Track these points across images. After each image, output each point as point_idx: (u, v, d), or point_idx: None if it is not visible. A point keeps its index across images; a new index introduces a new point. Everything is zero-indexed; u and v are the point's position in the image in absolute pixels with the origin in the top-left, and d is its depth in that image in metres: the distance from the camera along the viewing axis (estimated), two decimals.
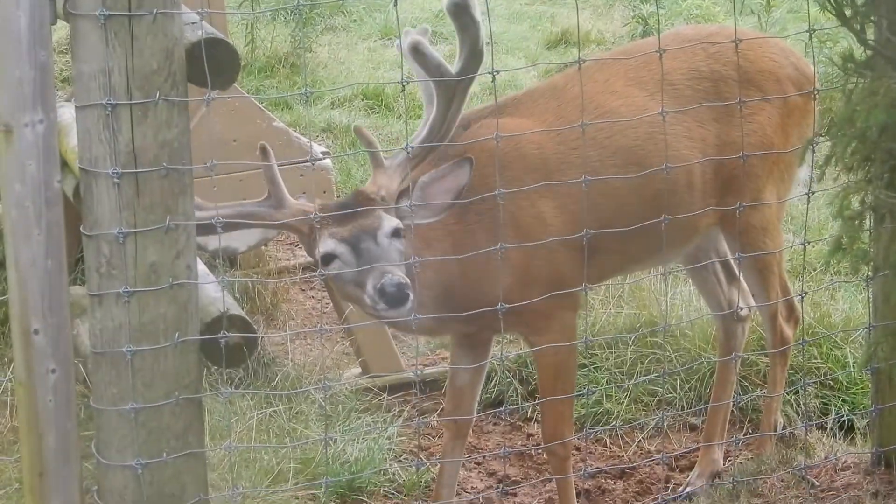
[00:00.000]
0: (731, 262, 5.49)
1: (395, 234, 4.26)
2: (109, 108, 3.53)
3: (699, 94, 4.94)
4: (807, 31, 4.47)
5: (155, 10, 3.50)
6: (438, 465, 5.19)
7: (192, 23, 3.67)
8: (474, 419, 5.23)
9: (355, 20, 13.89)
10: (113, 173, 3.55)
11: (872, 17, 3.97)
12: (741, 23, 12.85)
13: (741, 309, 5.45)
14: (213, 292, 3.91)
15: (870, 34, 4.11)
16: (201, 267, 3.98)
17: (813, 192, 4.44)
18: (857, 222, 3.89)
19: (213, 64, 3.62)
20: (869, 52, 4.04)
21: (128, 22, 3.50)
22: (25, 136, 3.55)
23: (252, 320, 6.54)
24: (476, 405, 5.15)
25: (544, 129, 4.70)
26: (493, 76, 4.14)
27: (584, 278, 4.51)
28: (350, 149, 9.72)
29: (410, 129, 9.13)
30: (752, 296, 5.42)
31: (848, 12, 3.94)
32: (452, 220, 4.57)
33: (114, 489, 3.74)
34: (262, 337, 6.14)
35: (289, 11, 11.73)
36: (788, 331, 5.44)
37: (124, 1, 3.48)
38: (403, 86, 4.16)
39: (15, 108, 3.54)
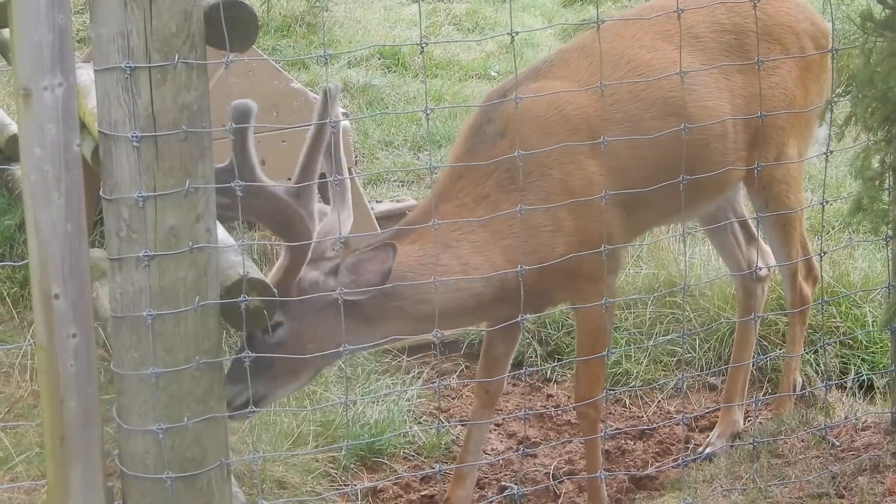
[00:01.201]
0: (750, 222, 5.48)
1: None
2: (128, 72, 3.51)
3: (723, 46, 4.97)
4: None
5: None
6: (466, 430, 5.17)
7: None
8: (503, 388, 5.19)
9: None
10: (132, 137, 3.54)
11: None
12: None
13: (760, 269, 5.44)
14: (233, 256, 3.89)
15: None
16: (221, 231, 3.97)
17: (831, 152, 4.42)
18: (877, 182, 3.85)
19: (231, 26, 3.59)
20: (888, 12, 4.00)
21: None
22: (45, 100, 3.53)
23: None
24: (506, 373, 5.13)
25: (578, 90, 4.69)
26: (512, 37, 4.10)
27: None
28: (367, 109, 9.70)
29: (427, 89, 9.11)
30: (773, 253, 5.41)
31: None
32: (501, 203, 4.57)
33: (135, 454, 3.73)
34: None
35: None
36: (807, 289, 5.42)
37: None
38: (423, 47, 4.10)
39: (34, 71, 3.51)
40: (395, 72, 10.65)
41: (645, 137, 4.59)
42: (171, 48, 3.53)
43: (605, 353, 4.74)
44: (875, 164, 3.91)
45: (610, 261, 4.53)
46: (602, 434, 5.09)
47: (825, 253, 5.03)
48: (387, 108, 9.70)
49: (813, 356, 5.73)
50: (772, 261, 5.48)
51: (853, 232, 6.55)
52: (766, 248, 5.51)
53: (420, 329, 4.59)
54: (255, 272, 3.85)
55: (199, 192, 3.63)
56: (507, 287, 4.52)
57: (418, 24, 12.81)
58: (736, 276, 5.55)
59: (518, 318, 4.31)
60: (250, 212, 4.11)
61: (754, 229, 5.54)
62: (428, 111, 4.08)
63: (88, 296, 3.67)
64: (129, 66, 3.50)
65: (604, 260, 4.41)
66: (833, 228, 6.72)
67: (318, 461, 5.09)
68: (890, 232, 4.37)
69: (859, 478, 4.59)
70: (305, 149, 4.33)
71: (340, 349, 4.06)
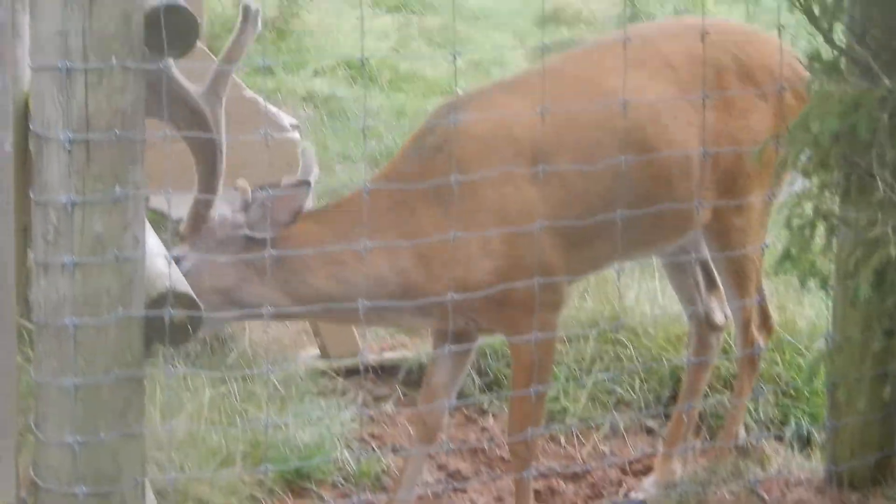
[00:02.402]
0: (713, 268, 5.38)
1: None
2: (65, 71, 3.42)
3: (698, 79, 4.80)
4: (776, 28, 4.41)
5: None
6: (402, 461, 5.07)
7: None
8: (444, 425, 5.04)
9: None
10: (64, 138, 3.44)
11: (841, 17, 3.88)
12: (731, 12, 12.79)
13: (717, 318, 5.36)
14: (163, 267, 3.80)
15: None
16: (152, 239, 3.87)
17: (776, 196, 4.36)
18: (806, 231, 3.79)
19: (171, 31, 3.51)
20: (835, 53, 3.95)
21: None
22: None
23: None
24: (447, 409, 4.98)
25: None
26: (454, 57, 4.03)
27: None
28: (330, 120, 9.64)
29: (392, 102, 9.03)
30: (726, 300, 5.32)
31: (816, 10, 3.84)
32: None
33: (49, 466, 3.61)
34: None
35: None
36: (761, 340, 5.34)
37: None
38: (363, 62, 4.02)
39: None
40: (360, 83, 10.58)
41: (584, 167, 4.47)
42: (109, 50, 3.43)
43: (537, 390, 4.59)
44: (808, 210, 3.85)
45: (549, 293, 4.44)
46: (532, 473, 5.00)
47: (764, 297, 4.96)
48: (349, 119, 9.64)
49: (752, 403, 5.64)
50: (730, 310, 5.39)
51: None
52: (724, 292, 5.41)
53: (300, 311, 4.51)
54: (181, 285, 3.74)
55: (128, 199, 3.52)
56: (411, 293, 4.44)
57: (388, 35, 12.81)
58: (692, 323, 5.44)
59: (453, 347, 4.27)
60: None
61: (716, 272, 5.44)
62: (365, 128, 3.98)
63: (12, 299, 3.58)
64: (66, 66, 3.42)
65: (543, 290, 4.33)
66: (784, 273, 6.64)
67: (244, 483, 4.98)
68: (828, 282, 4.30)
69: None
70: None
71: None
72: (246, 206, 4.40)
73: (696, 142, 4.77)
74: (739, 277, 5.12)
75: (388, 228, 4.46)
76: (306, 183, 4.40)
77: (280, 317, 4.60)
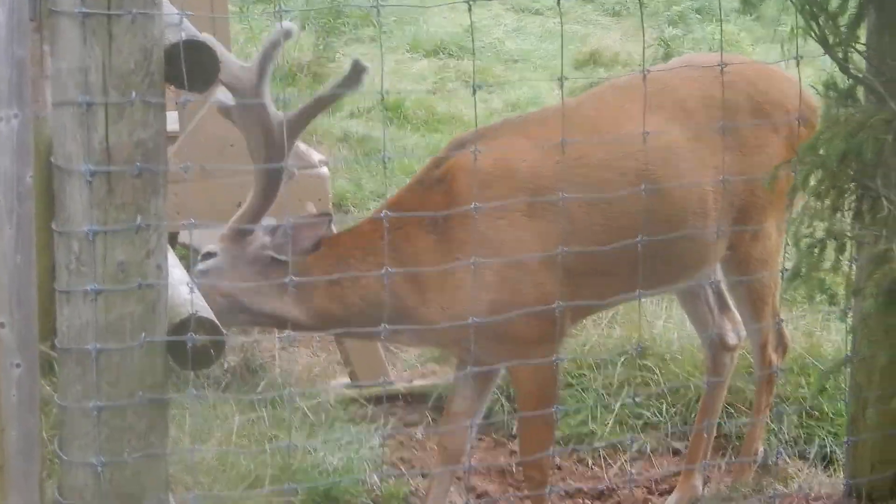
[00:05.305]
0: (724, 291, 5.46)
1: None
2: (85, 106, 3.54)
3: (713, 122, 4.86)
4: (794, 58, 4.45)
5: (134, 10, 3.51)
6: (427, 484, 5.17)
7: (175, 24, 3.68)
8: (467, 449, 5.11)
9: (385, 32, 13.91)
10: (86, 171, 3.56)
11: (855, 45, 3.95)
12: (767, 53, 12.84)
13: (730, 339, 5.44)
14: (186, 294, 3.91)
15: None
16: (175, 266, 3.98)
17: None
18: (815, 250, 3.86)
19: (191, 66, 3.62)
20: (850, 82, 4.02)
21: (106, 21, 3.50)
22: (0, 131, 3.57)
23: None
24: (471, 435, 5.08)
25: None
26: (474, 89, 4.13)
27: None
28: (365, 160, 9.74)
29: (428, 141, 9.12)
30: (744, 326, 5.40)
31: (831, 39, 3.92)
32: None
33: (74, 486, 3.73)
34: (255, 341, 6.16)
35: (313, 19, 11.77)
36: (776, 360, 5.40)
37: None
38: (383, 96, 4.13)
39: None
40: (396, 124, 10.69)
41: (571, 197, 4.54)
42: (129, 85, 3.55)
43: (547, 413, 4.66)
44: (819, 231, 3.91)
45: (545, 325, 4.52)
46: (551, 489, 5.05)
47: (783, 321, 5.02)
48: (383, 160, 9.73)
49: (777, 425, 5.71)
50: (743, 331, 5.46)
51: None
52: (739, 317, 5.49)
53: (305, 324, 4.68)
54: (204, 311, 3.85)
55: (150, 228, 3.63)
56: (405, 317, 4.60)
57: (425, 78, 12.92)
58: (706, 344, 5.52)
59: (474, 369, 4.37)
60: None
61: (728, 298, 5.52)
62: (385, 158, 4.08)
63: (34, 326, 3.69)
64: (86, 101, 3.53)
65: (541, 322, 4.42)
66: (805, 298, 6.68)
67: None
68: (847, 302, 4.36)
69: None
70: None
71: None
72: (273, 231, 4.56)
73: (710, 184, 4.84)
74: (757, 304, 5.20)
75: (384, 253, 4.56)
76: (328, 214, 4.60)
77: (284, 327, 4.75)
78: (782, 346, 5.43)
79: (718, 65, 4.62)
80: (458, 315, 4.51)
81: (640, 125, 4.69)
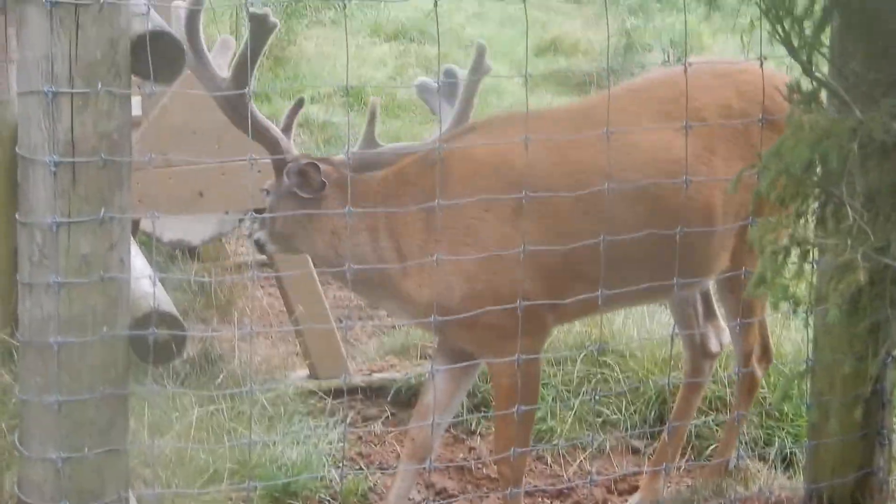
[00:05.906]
0: (712, 297, 5.44)
1: None
2: (50, 96, 3.49)
3: (727, 132, 4.84)
4: (758, 59, 4.45)
5: (102, 0, 3.46)
6: (391, 479, 5.12)
7: (141, 14, 3.63)
8: (435, 444, 5.06)
9: (346, 15, 13.87)
10: (50, 161, 3.51)
11: (819, 49, 3.93)
12: (726, 44, 12.86)
13: (712, 345, 5.43)
14: (147, 287, 3.86)
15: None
16: (138, 260, 3.93)
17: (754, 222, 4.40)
18: (780, 256, 3.84)
19: (157, 57, 3.58)
20: (815, 84, 4.00)
21: (74, 10, 3.45)
22: None
23: (206, 316, 6.54)
24: (439, 433, 5.03)
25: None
26: (439, 85, 4.09)
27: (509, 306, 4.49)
28: (324, 146, 9.69)
29: (388, 128, 9.07)
30: (731, 337, 5.39)
31: (796, 42, 3.89)
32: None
33: (33, 482, 3.68)
34: (212, 335, 6.12)
35: (274, 1, 11.69)
36: (759, 371, 5.40)
37: None
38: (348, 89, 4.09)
39: None
40: (357, 110, 10.65)
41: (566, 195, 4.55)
42: (96, 75, 3.51)
43: (528, 415, 4.65)
44: (784, 238, 3.89)
45: (527, 322, 4.45)
46: (521, 491, 5.04)
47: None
48: (343, 145, 9.69)
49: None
50: (726, 338, 5.45)
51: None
52: (723, 324, 5.46)
53: (322, 260, 4.86)
54: (166, 305, 3.81)
55: (114, 220, 3.59)
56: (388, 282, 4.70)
57: (386, 64, 12.88)
58: (687, 349, 5.50)
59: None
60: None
61: (715, 305, 5.49)
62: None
63: None
64: (52, 91, 3.48)
65: (517, 316, 4.38)
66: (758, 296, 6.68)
67: (231, 500, 5.02)
68: (808, 306, 4.34)
69: None
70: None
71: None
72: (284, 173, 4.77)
73: (720, 198, 4.79)
74: (746, 315, 5.16)
75: (377, 215, 4.69)
76: (323, 160, 4.80)
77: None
78: (766, 358, 5.42)
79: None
80: (432, 295, 4.52)
81: (649, 135, 4.73)
